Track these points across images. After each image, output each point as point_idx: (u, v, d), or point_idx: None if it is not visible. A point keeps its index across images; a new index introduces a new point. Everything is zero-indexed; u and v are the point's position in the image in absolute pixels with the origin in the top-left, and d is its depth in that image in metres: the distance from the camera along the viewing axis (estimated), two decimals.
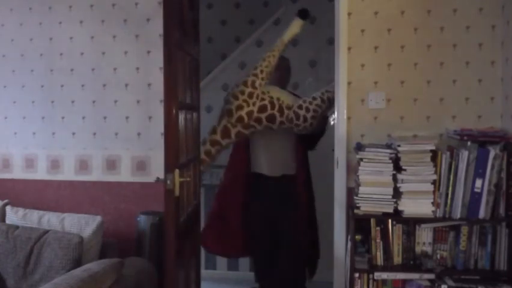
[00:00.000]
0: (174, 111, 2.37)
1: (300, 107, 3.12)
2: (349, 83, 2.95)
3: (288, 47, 3.31)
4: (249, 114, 3.10)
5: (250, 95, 3.10)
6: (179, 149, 2.47)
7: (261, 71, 3.14)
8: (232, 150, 3.45)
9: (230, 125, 3.13)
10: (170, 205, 2.34)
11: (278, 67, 3.30)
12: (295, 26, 3.20)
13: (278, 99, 3.15)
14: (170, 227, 2.35)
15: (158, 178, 2.83)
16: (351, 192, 2.85)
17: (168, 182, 2.30)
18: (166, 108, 2.33)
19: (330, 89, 3.15)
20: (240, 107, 3.10)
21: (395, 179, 2.60)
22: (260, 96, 3.11)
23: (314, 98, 3.15)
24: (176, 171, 2.33)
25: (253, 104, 3.10)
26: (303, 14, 3.20)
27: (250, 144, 3.38)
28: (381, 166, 2.60)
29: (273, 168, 3.33)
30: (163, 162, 2.34)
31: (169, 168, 2.32)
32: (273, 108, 3.11)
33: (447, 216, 2.58)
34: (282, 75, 3.39)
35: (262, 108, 3.11)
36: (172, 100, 2.35)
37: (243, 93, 3.11)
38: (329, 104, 3.17)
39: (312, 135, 3.33)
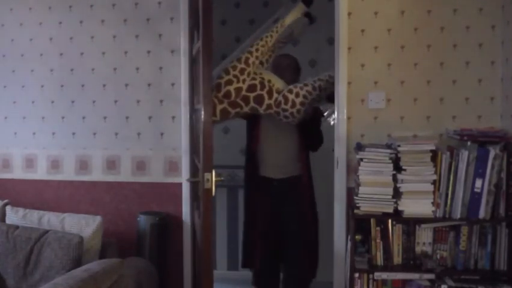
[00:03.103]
0: (211, 115, 2.41)
1: (290, 91, 3.06)
2: (349, 83, 2.95)
3: (288, 46, 3.32)
4: (237, 90, 3.02)
5: (242, 71, 3.04)
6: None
7: (257, 50, 3.08)
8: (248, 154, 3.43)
9: (217, 100, 3.04)
10: (209, 204, 2.37)
11: (289, 66, 3.31)
12: (297, 11, 3.16)
13: (269, 81, 3.09)
14: (207, 226, 2.38)
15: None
16: (351, 192, 2.85)
17: (207, 181, 2.32)
18: (205, 110, 2.34)
19: (323, 78, 3.11)
20: (229, 82, 3.02)
21: (395, 179, 2.60)
22: (252, 75, 3.06)
23: (306, 84, 3.09)
24: (213, 171, 2.35)
25: (243, 81, 3.03)
26: (307, 1, 3.17)
27: (257, 147, 3.35)
28: (381, 166, 2.60)
29: (279, 170, 3.32)
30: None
31: (207, 168, 2.34)
32: (262, 89, 3.05)
33: (447, 216, 2.58)
34: (292, 75, 3.33)
35: (252, 87, 3.04)
36: (209, 102, 2.37)
37: (234, 68, 3.05)
38: (320, 92, 3.10)
39: (310, 133, 3.28)
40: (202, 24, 2.40)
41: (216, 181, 2.43)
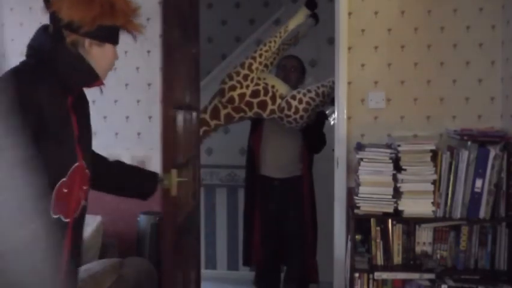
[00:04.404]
0: (172, 112, 2.37)
1: (293, 97, 3.09)
2: (349, 83, 2.95)
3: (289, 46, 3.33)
4: (241, 96, 3.06)
5: (245, 77, 3.07)
6: (176, 149, 2.46)
7: (260, 55, 3.10)
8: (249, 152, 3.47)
9: (221, 105, 3.08)
10: (168, 205, 2.35)
11: (296, 68, 3.35)
12: (301, 15, 3.19)
13: (273, 86, 3.12)
14: (167, 227, 2.36)
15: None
16: (351, 192, 2.85)
17: (165, 182, 2.31)
18: (164, 108, 2.33)
19: (326, 84, 3.13)
20: (232, 88, 3.06)
21: (395, 179, 2.60)
22: (255, 81, 3.08)
23: (309, 91, 3.11)
24: (174, 171, 2.33)
25: (247, 87, 3.06)
26: (311, 4, 3.20)
27: (260, 146, 3.38)
28: (381, 166, 2.60)
29: (280, 169, 3.34)
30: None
31: (166, 168, 2.33)
32: (266, 94, 3.08)
33: (447, 216, 2.58)
34: (298, 76, 3.39)
35: (255, 93, 3.08)
36: (169, 100, 2.35)
37: (238, 74, 3.09)
38: (323, 98, 3.13)
39: (312, 135, 3.31)
40: (162, 24, 2.37)
41: (178, 181, 2.37)
